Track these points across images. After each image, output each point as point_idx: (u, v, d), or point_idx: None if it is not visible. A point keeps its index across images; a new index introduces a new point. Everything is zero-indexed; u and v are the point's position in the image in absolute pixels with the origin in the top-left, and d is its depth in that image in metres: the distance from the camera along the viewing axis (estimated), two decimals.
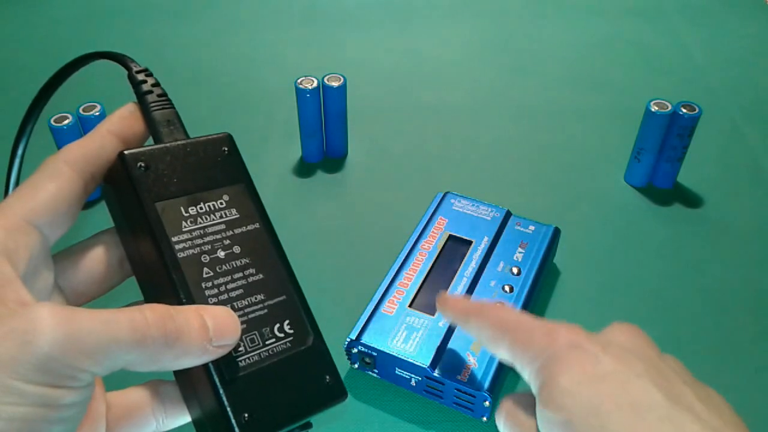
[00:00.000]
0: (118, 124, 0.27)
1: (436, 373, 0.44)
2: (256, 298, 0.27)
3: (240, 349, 0.26)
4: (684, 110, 0.59)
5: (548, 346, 0.30)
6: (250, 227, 0.28)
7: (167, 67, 0.80)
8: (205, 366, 0.25)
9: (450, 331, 0.46)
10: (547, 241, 0.52)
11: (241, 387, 0.25)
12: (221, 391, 0.25)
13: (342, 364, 0.47)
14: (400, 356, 0.44)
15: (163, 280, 0.25)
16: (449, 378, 0.43)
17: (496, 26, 0.89)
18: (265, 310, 0.27)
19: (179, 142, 0.28)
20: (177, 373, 0.27)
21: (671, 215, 0.62)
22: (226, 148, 0.29)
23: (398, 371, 0.46)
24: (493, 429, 0.45)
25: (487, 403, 0.43)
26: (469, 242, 0.52)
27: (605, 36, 0.87)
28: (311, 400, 0.27)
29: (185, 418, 0.28)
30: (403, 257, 0.51)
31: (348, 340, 0.46)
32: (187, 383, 0.26)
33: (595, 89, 0.78)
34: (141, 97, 0.28)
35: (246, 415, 0.25)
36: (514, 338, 0.32)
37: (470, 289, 0.49)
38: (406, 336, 0.45)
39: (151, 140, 0.29)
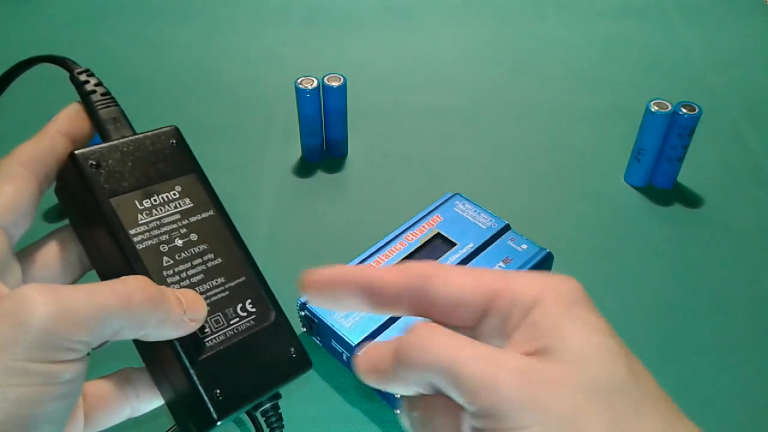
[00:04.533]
0: (66, 124, 0.28)
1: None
2: (217, 282, 0.28)
3: (206, 330, 0.27)
4: (684, 110, 0.59)
5: (562, 284, 0.25)
6: (204, 215, 0.29)
7: (167, 67, 0.80)
8: (175, 348, 0.26)
9: (391, 320, 0.47)
10: (533, 263, 0.51)
11: (210, 365, 0.26)
12: (191, 370, 0.26)
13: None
14: (334, 328, 0.46)
15: (125, 271, 0.26)
16: None
17: (496, 26, 0.89)
18: (227, 292, 0.28)
19: (127, 139, 0.28)
20: (147, 358, 0.28)
21: (671, 215, 0.62)
22: (174, 141, 0.30)
23: (333, 343, 0.47)
24: None
25: (398, 395, 0.44)
26: (453, 244, 0.52)
27: (605, 36, 0.87)
28: (278, 372, 0.28)
29: (158, 402, 0.28)
30: (384, 242, 0.52)
31: (299, 302, 0.48)
32: (158, 367, 0.27)
33: (595, 89, 0.78)
34: (85, 97, 0.29)
35: (217, 391, 0.26)
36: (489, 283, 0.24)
37: None
38: (348, 312, 0.47)
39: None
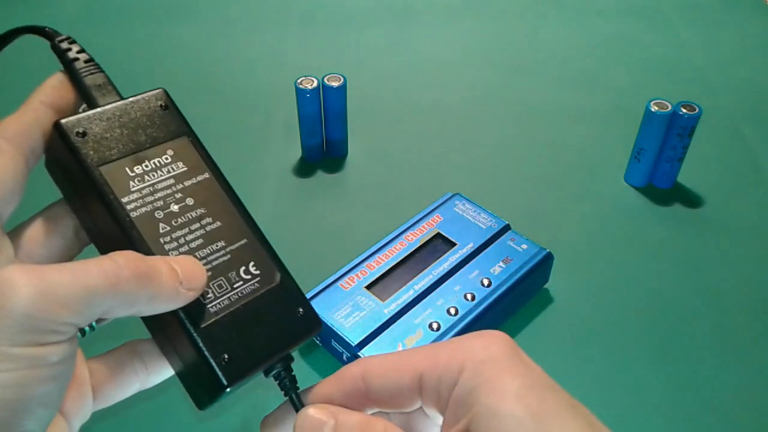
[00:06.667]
0: (50, 95, 0.27)
1: (360, 353, 0.45)
2: (217, 246, 0.27)
3: (209, 295, 0.26)
4: (684, 110, 0.59)
5: (483, 350, 0.24)
6: (199, 178, 0.28)
7: (167, 67, 0.80)
8: (178, 317, 0.25)
9: (392, 320, 0.47)
10: (533, 263, 0.51)
11: (216, 331, 0.25)
12: (196, 337, 0.25)
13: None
14: (334, 328, 0.46)
15: (121, 241, 0.25)
16: None
17: (496, 26, 0.89)
18: (228, 256, 0.27)
19: (114, 105, 0.27)
20: (153, 329, 0.27)
21: (671, 215, 0.62)
22: (162, 103, 0.29)
23: (333, 343, 0.47)
24: None
25: None
26: (453, 244, 0.52)
27: (605, 36, 0.87)
28: (288, 334, 0.27)
29: (167, 373, 0.28)
30: (384, 242, 0.52)
31: None
32: (164, 338, 0.27)
33: (595, 89, 0.78)
34: (69, 65, 0.28)
35: (225, 355, 0.25)
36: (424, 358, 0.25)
37: (432, 288, 0.49)
38: (348, 312, 0.47)
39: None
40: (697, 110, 0.59)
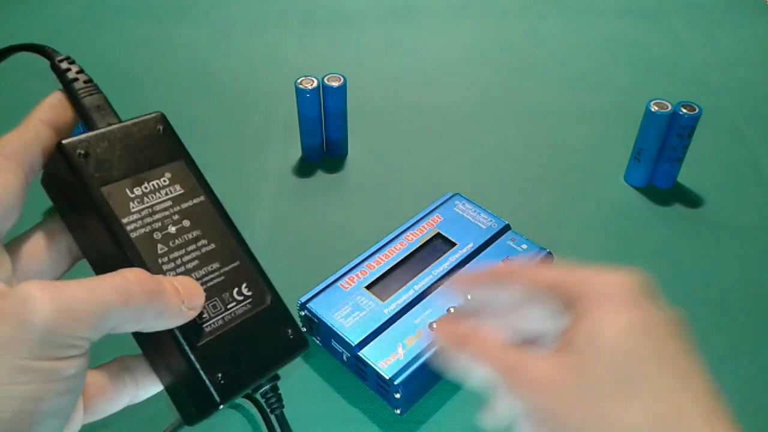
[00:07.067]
0: (49, 113, 0.28)
1: (361, 353, 0.45)
2: (212, 267, 0.28)
3: (204, 315, 0.27)
4: (684, 110, 0.59)
5: (607, 285, 0.29)
6: (195, 201, 0.29)
7: (167, 67, 0.80)
8: (174, 336, 0.26)
9: (392, 320, 0.47)
10: (533, 263, 0.52)
11: (210, 350, 0.26)
12: (192, 356, 0.26)
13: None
14: (334, 328, 0.46)
15: (120, 261, 0.26)
16: (371, 361, 0.45)
17: (496, 26, 0.89)
18: (222, 277, 0.28)
19: (114, 127, 0.28)
20: (145, 346, 0.27)
21: (671, 215, 0.62)
22: (160, 127, 0.29)
23: (333, 343, 0.47)
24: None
25: (397, 395, 0.44)
26: (453, 244, 0.52)
27: (605, 36, 0.87)
28: (277, 354, 0.28)
29: (157, 388, 0.28)
30: (384, 242, 0.52)
31: (299, 302, 0.48)
32: (157, 354, 0.27)
33: (595, 89, 0.78)
34: (68, 85, 0.28)
35: (219, 375, 0.26)
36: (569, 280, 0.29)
37: (432, 288, 0.49)
38: (349, 312, 0.47)
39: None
40: (697, 110, 0.59)
